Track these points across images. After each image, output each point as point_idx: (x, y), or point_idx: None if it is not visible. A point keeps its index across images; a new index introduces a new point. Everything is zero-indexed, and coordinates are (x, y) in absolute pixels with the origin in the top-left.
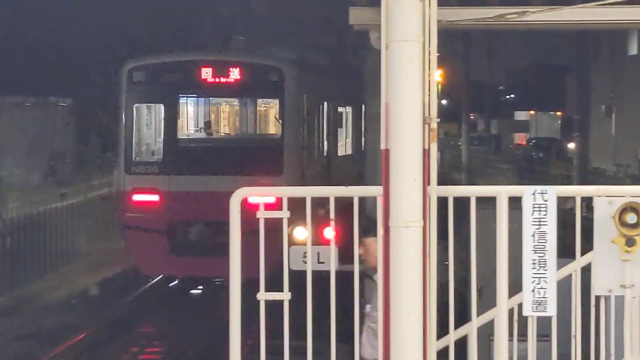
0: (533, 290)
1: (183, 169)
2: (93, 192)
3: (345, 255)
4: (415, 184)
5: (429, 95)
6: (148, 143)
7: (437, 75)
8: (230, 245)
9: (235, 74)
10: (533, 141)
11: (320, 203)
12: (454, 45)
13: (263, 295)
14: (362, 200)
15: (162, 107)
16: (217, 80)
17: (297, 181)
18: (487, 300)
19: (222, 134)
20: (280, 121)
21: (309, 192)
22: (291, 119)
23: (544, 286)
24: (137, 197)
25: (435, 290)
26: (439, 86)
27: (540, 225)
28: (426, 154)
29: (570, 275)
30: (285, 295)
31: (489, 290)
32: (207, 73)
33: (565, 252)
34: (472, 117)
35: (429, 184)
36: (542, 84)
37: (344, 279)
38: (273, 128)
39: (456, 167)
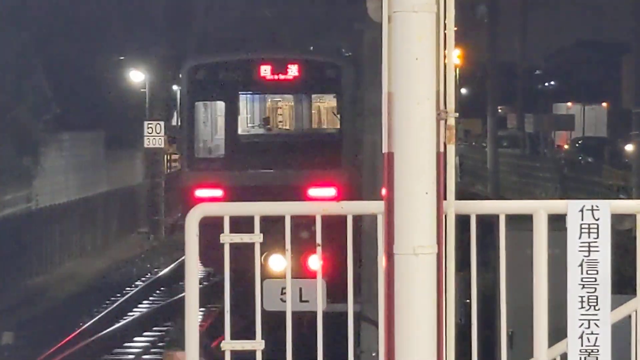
0: (581, 337)
1: (245, 164)
2: (8, 209)
3: (335, 291)
4: (427, 198)
5: (445, 82)
6: (206, 140)
7: (455, 56)
8: (186, 275)
9: (293, 70)
10: (579, 142)
11: (303, 223)
12: (476, 17)
13: (229, 345)
14: (358, 219)
15: (222, 104)
16: (276, 77)
17: (355, 174)
18: (521, 349)
19: (281, 129)
20: (338, 116)
21: (289, 209)
22: (348, 114)
23: (595, 331)
24: (200, 193)
25: (453, 337)
26: (458, 71)
27: (589, 251)
28: (441, 158)
29: (630, 316)
30: (257, 344)
31: (523, 336)
32: (266, 70)
33: (623, 287)
34: (500, 110)
35: (445, 198)
36: (591, 67)
37: (334, 321)
38: (330, 122)
39: (479, 177)
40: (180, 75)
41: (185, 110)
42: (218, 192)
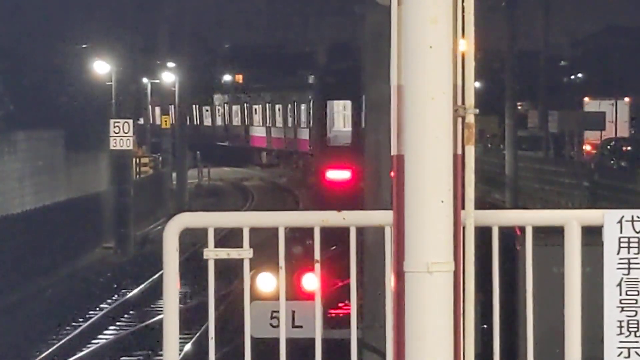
0: None
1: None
2: None
3: (332, 314)
4: (442, 207)
5: (463, 73)
6: (332, 131)
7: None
8: (165, 295)
9: None
10: (611, 143)
11: (296, 237)
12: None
13: None
14: (359, 231)
15: (349, 102)
16: None
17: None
18: None
19: None
20: None
21: (283, 219)
22: None
23: None
24: (331, 174)
25: None
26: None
27: (629, 268)
28: (459, 161)
29: None
30: None
31: None
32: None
33: None
34: (519, 107)
35: (463, 208)
36: (625, 57)
37: (330, 350)
38: None
39: (496, 183)
40: (313, 78)
41: (318, 107)
42: (346, 174)
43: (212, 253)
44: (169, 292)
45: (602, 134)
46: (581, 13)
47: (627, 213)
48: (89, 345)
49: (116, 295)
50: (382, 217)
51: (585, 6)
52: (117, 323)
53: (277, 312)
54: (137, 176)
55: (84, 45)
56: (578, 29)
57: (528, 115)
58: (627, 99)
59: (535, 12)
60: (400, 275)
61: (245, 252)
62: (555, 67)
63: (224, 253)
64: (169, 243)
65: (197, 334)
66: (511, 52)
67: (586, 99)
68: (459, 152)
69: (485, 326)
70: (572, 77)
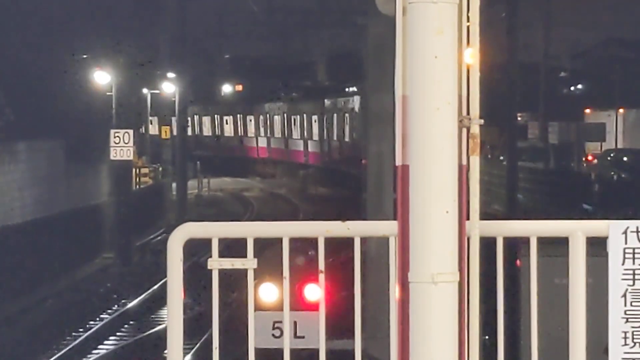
0: None
1: None
2: None
3: (334, 325)
4: (447, 217)
5: (468, 84)
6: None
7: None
8: (169, 305)
9: None
10: (612, 154)
11: (298, 247)
12: (493, 10)
13: None
14: (365, 242)
15: None
16: None
17: None
18: None
19: None
20: None
21: (287, 230)
22: None
23: None
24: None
25: None
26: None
27: (634, 280)
28: (464, 172)
29: None
30: None
31: None
32: None
33: None
34: (519, 118)
35: (467, 218)
36: (625, 68)
37: None
38: None
39: (495, 194)
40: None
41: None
42: None
43: (216, 263)
44: (174, 302)
45: (602, 145)
46: (581, 24)
47: (632, 224)
48: (89, 356)
49: (116, 306)
50: (386, 228)
51: (584, 17)
52: (117, 333)
53: (279, 322)
54: (137, 186)
55: (85, 56)
56: (578, 39)
57: (528, 126)
58: (621, 110)
59: (537, 22)
60: (404, 286)
61: (249, 263)
62: (555, 78)
63: (229, 263)
64: (173, 253)
65: (198, 345)
66: (512, 63)
67: (587, 110)
68: (464, 162)
69: (487, 337)
70: (573, 88)
